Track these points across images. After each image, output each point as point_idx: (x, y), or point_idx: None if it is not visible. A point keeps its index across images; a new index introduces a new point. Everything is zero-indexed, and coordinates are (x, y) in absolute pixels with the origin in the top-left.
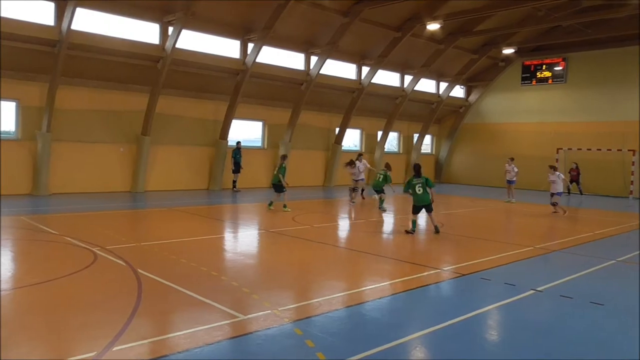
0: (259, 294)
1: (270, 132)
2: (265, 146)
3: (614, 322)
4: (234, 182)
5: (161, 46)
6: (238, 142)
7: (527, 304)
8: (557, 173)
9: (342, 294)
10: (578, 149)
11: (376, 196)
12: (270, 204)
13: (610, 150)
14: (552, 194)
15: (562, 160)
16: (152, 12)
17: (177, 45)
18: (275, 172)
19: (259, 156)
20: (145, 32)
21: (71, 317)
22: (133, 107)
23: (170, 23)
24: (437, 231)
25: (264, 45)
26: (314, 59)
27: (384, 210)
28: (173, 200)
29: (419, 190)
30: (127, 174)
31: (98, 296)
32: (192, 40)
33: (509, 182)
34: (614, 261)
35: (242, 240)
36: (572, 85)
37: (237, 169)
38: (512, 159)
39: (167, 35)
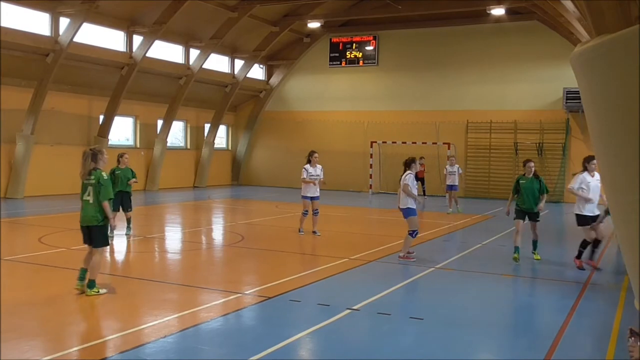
0: None
1: (2, 121)
2: None
3: (435, 337)
4: None
5: None
6: None
7: (343, 325)
8: None
9: (112, 337)
10: (393, 142)
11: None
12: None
13: (425, 143)
14: None
15: (376, 154)
16: None
17: None
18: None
19: None
20: None
21: None
22: None
23: None
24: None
25: None
26: (64, 22)
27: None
28: None
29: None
30: None
31: None
32: None
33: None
34: (432, 268)
35: None
36: (384, 69)
37: None
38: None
39: None
